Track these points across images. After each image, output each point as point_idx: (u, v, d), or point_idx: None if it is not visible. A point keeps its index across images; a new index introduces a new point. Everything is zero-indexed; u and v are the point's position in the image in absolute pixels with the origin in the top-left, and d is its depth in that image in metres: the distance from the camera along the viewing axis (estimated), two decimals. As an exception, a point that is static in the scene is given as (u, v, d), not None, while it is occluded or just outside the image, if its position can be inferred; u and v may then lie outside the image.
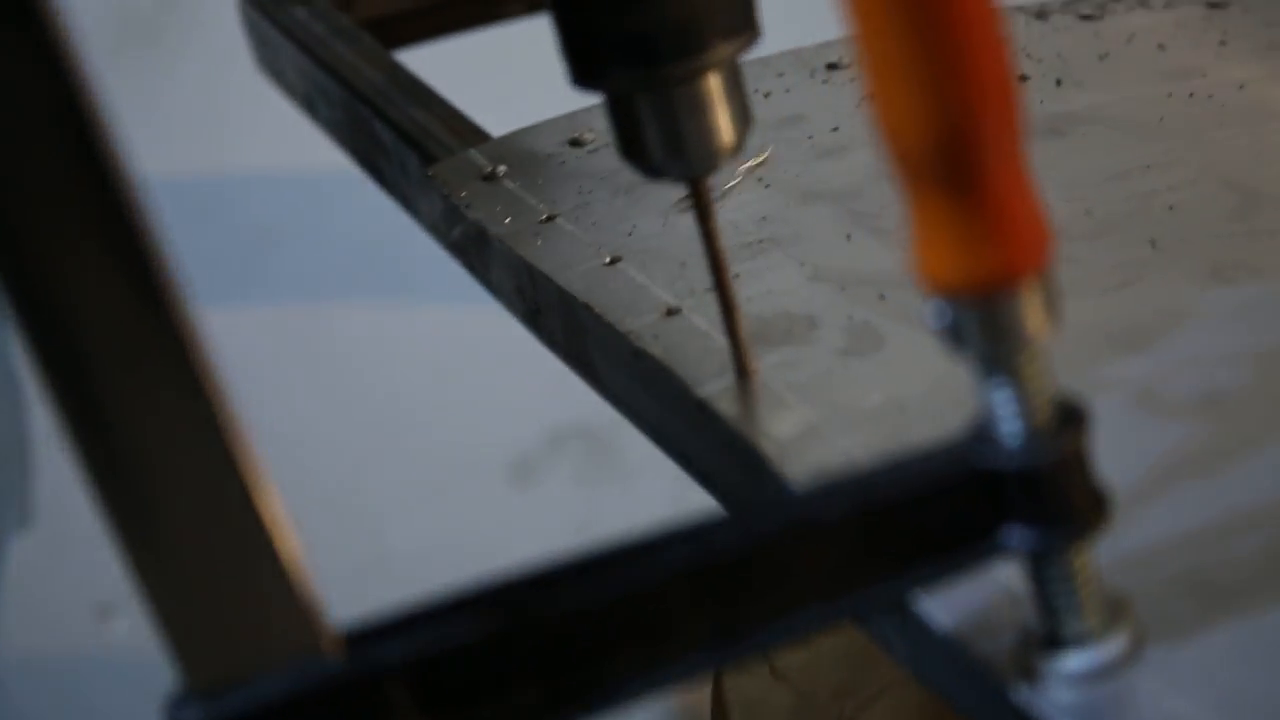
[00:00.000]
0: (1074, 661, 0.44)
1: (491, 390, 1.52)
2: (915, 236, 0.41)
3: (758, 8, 0.51)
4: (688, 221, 0.66)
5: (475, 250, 0.73)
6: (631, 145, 0.53)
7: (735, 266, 0.63)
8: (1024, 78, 0.74)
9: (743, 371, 0.56)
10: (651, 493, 1.48)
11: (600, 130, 0.75)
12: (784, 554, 0.43)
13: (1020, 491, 0.42)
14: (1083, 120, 0.70)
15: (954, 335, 0.42)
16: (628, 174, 0.71)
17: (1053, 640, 0.44)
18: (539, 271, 0.66)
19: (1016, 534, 0.43)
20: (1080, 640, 0.44)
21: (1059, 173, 0.66)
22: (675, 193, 0.68)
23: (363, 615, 0.43)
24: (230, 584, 0.40)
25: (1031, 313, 0.41)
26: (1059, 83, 0.74)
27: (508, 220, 0.70)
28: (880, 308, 0.59)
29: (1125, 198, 0.64)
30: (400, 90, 0.82)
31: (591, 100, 0.78)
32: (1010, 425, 0.42)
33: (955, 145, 0.39)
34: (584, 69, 0.51)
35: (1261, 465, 0.49)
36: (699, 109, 0.51)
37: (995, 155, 0.39)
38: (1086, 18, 0.80)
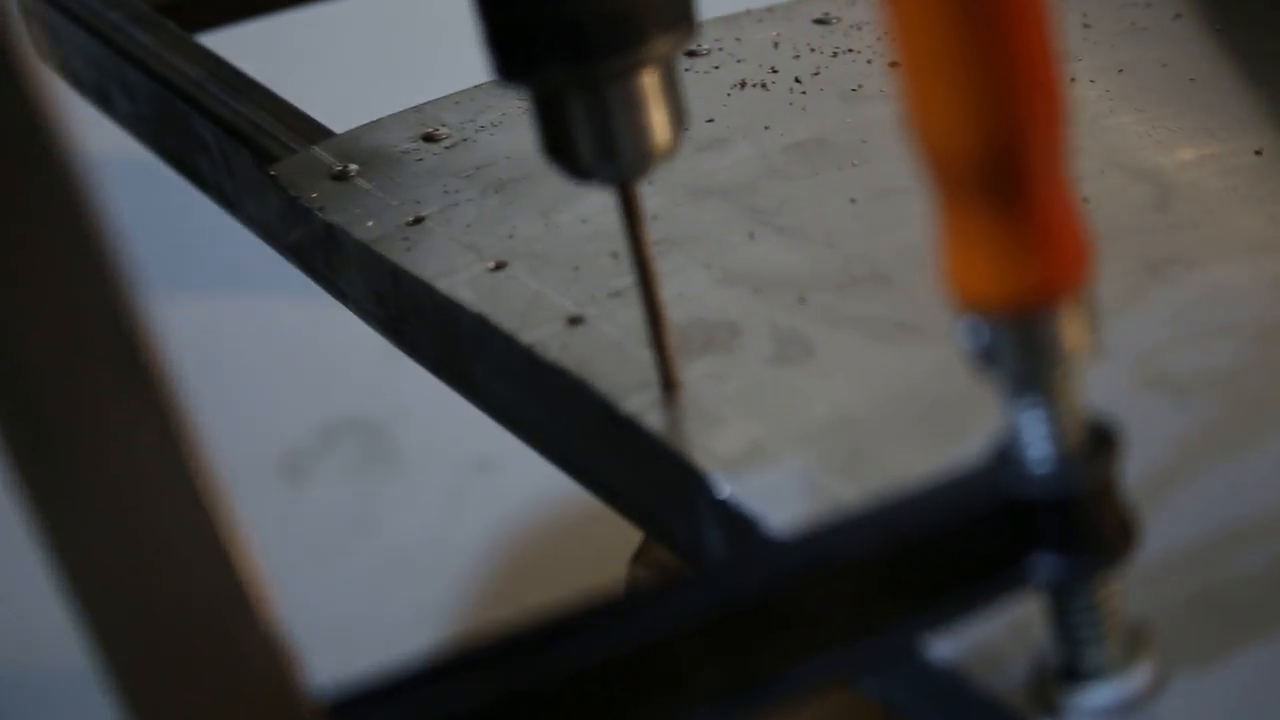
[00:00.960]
0: (1098, 694, 0.42)
1: (258, 385, 1.47)
2: (950, 249, 0.38)
3: (695, 4, 0.48)
4: (570, 221, 0.63)
5: (322, 254, 0.68)
6: (558, 145, 0.49)
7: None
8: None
9: (669, 385, 0.53)
10: (429, 486, 1.44)
11: (454, 124, 0.71)
12: (802, 596, 0.40)
13: (1051, 520, 0.40)
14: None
15: (988, 354, 0.39)
16: (495, 171, 0.67)
17: (1073, 672, 0.42)
18: (412, 278, 0.62)
19: (1045, 565, 0.41)
20: (1103, 671, 0.42)
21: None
22: (554, 191, 0.65)
23: (343, 677, 0.39)
24: (203, 652, 0.36)
25: (1072, 330, 0.39)
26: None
27: (369, 223, 0.65)
28: (803, 312, 0.56)
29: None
30: (220, 82, 0.77)
31: (437, 91, 0.75)
32: (1041, 450, 0.40)
33: (1004, 154, 0.37)
34: (510, 62, 0.47)
35: (1252, 467, 0.47)
36: (633, 107, 0.48)
37: (1043, 165, 0.37)
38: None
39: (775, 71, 0.72)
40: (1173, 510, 0.46)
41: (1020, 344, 0.39)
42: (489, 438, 1.36)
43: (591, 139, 0.48)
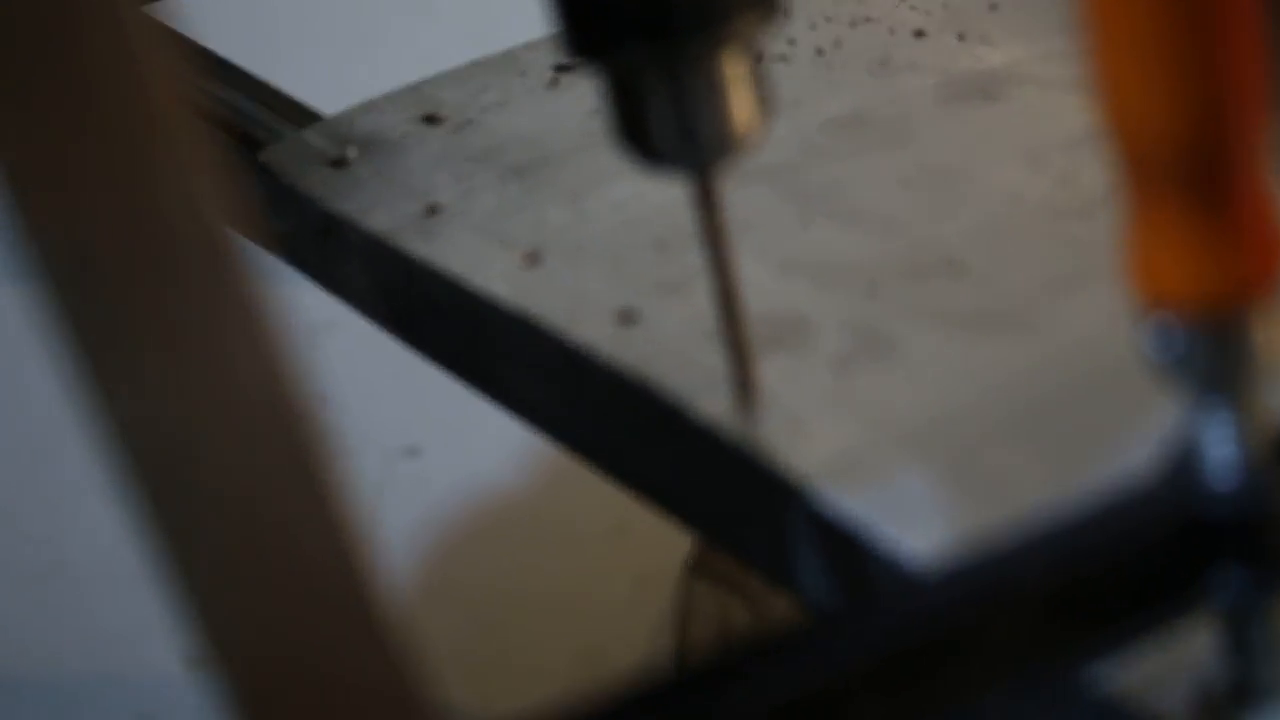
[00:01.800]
0: (1275, 713, 0.39)
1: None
2: (1143, 246, 0.35)
3: None
4: (602, 208, 0.60)
5: (316, 246, 0.64)
6: (633, 129, 0.47)
7: (684, 258, 0.56)
8: (921, 33, 0.69)
9: (747, 390, 0.50)
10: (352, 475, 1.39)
11: (456, 104, 0.67)
12: (973, 628, 0.37)
13: (1237, 537, 0.37)
14: (1008, 81, 0.65)
15: (1178, 357, 0.36)
16: (510, 154, 0.64)
17: (1244, 692, 0.39)
18: (433, 273, 0.58)
19: (1231, 584, 0.38)
20: (1276, 690, 0.39)
21: (1015, 141, 0.61)
22: (580, 175, 0.61)
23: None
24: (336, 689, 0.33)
25: (1266, 334, 0.36)
26: (961, 37, 0.69)
27: (378, 213, 0.61)
28: (875, 304, 0.53)
29: (1101, 162, 0.59)
30: (195, 66, 0.73)
31: (433, 68, 0.71)
32: (1227, 461, 0.37)
33: (1209, 145, 0.34)
34: (585, 39, 0.45)
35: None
36: (715, 90, 0.46)
37: (1247, 157, 0.34)
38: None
39: (793, 43, 0.69)
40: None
41: (1214, 347, 0.36)
42: (413, 426, 1.33)
43: (670, 122, 0.46)
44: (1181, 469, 0.38)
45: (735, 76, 0.46)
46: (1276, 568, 0.38)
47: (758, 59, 0.46)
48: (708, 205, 0.48)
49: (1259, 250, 0.35)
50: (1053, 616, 0.37)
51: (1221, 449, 0.37)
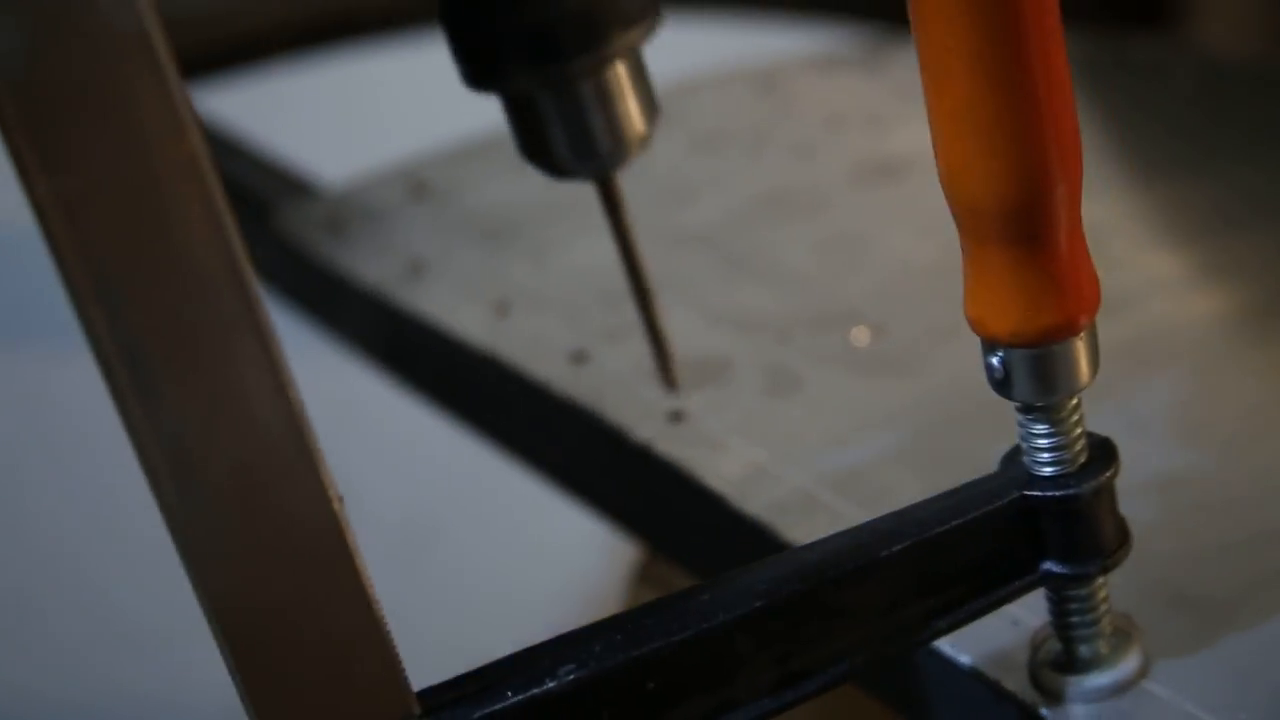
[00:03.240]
0: (1093, 681, 0.45)
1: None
2: (978, 289, 0.41)
3: None
4: (561, 265, 0.66)
5: (323, 299, 0.71)
6: (536, 146, 0.47)
7: (627, 310, 0.62)
8: (838, 121, 0.76)
9: (668, 367, 0.51)
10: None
11: (442, 177, 0.74)
12: (843, 591, 0.43)
13: (1061, 525, 0.43)
14: (908, 163, 0.72)
15: (1007, 382, 0.42)
16: (486, 220, 0.70)
17: (1071, 663, 0.45)
18: (419, 321, 0.64)
19: (1055, 565, 0.44)
20: (1098, 662, 0.45)
21: (910, 214, 0.67)
22: (543, 238, 0.67)
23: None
24: (320, 646, 0.38)
25: (1083, 360, 0.42)
26: (873, 124, 0.75)
27: (371, 270, 0.68)
28: (787, 348, 0.59)
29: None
30: (211, 142, 0.79)
31: (425, 145, 0.77)
32: (1052, 463, 0.43)
33: (1031, 207, 0.40)
34: (479, 71, 0.45)
35: (1211, 487, 0.51)
36: (606, 101, 0.46)
37: (1065, 212, 0.40)
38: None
39: (724, 134, 0.75)
40: (1147, 521, 0.50)
41: (1039, 373, 0.42)
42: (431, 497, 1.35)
43: (568, 138, 0.46)
44: (1019, 468, 0.43)
45: (624, 86, 0.46)
46: (1089, 552, 0.43)
47: (639, 63, 0.46)
48: (612, 204, 0.49)
49: (1074, 294, 0.41)
50: (909, 582, 0.43)
51: (1047, 452, 0.43)
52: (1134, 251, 0.65)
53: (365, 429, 1.26)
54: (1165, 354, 0.57)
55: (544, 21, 0.44)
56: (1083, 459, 0.43)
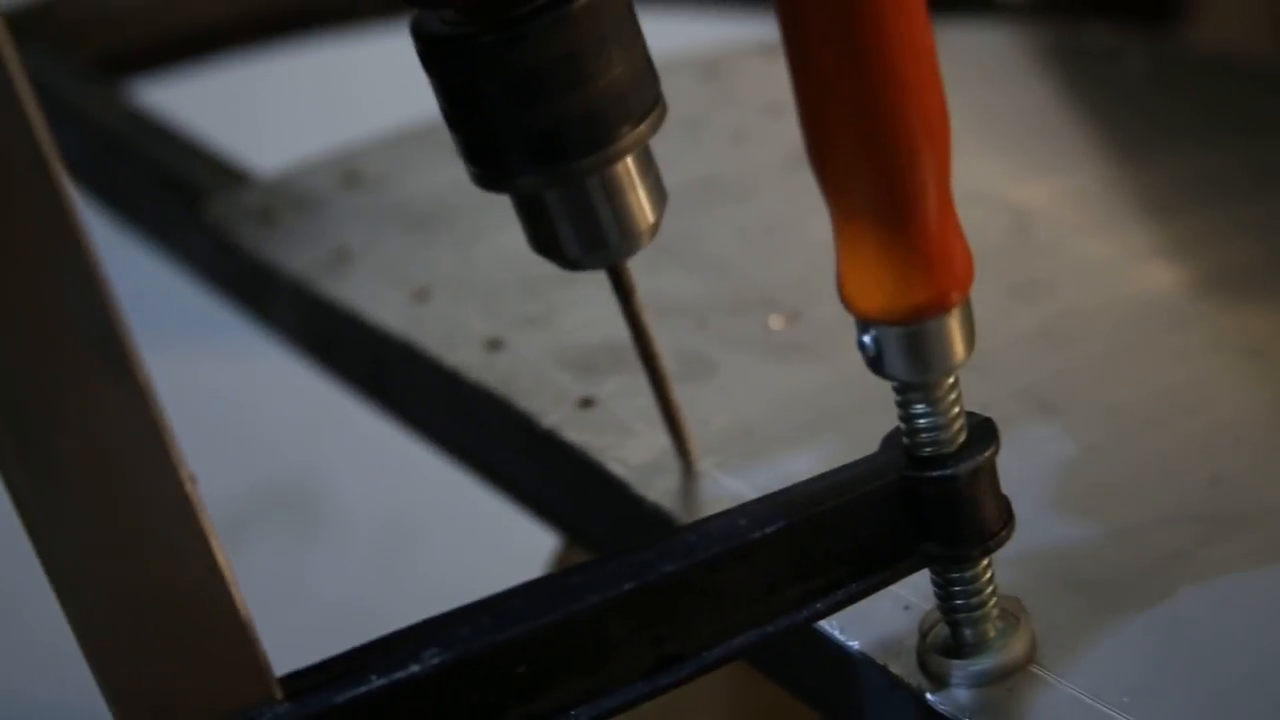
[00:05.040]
0: (979, 664, 0.44)
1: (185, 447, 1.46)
2: (848, 267, 0.41)
3: (659, 83, 0.46)
4: (488, 253, 0.65)
5: (253, 289, 0.70)
6: (545, 242, 0.47)
7: (548, 297, 0.62)
8: (776, 109, 0.75)
9: (687, 461, 0.53)
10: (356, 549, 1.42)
11: (376, 166, 0.73)
12: (718, 574, 0.42)
13: (941, 506, 0.43)
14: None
15: (880, 360, 0.42)
16: (414, 208, 0.70)
17: (958, 647, 0.45)
18: (340, 309, 0.64)
19: (936, 547, 0.43)
20: (984, 646, 0.44)
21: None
22: (470, 225, 0.67)
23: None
24: (175, 631, 0.38)
25: (956, 338, 0.41)
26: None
27: (298, 259, 0.67)
28: (703, 334, 0.59)
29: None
30: (147, 131, 0.79)
31: (358, 133, 0.77)
32: (930, 443, 0.43)
33: (896, 181, 0.39)
34: (489, 173, 0.45)
35: (1113, 470, 0.50)
36: (614, 196, 0.46)
37: (932, 187, 0.40)
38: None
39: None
40: (1048, 505, 0.49)
41: (912, 352, 0.41)
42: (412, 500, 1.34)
43: (577, 233, 0.46)
44: (898, 448, 0.43)
45: (632, 179, 0.46)
46: (970, 539, 0.43)
47: (646, 153, 0.46)
48: (623, 292, 0.50)
49: (944, 272, 0.40)
50: (787, 565, 0.43)
51: (925, 432, 0.42)
52: (1067, 234, 0.64)
53: (345, 430, 1.26)
54: (1081, 338, 0.57)
55: (550, 125, 0.44)
56: (962, 439, 0.43)
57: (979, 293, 0.57)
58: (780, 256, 0.63)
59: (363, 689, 0.40)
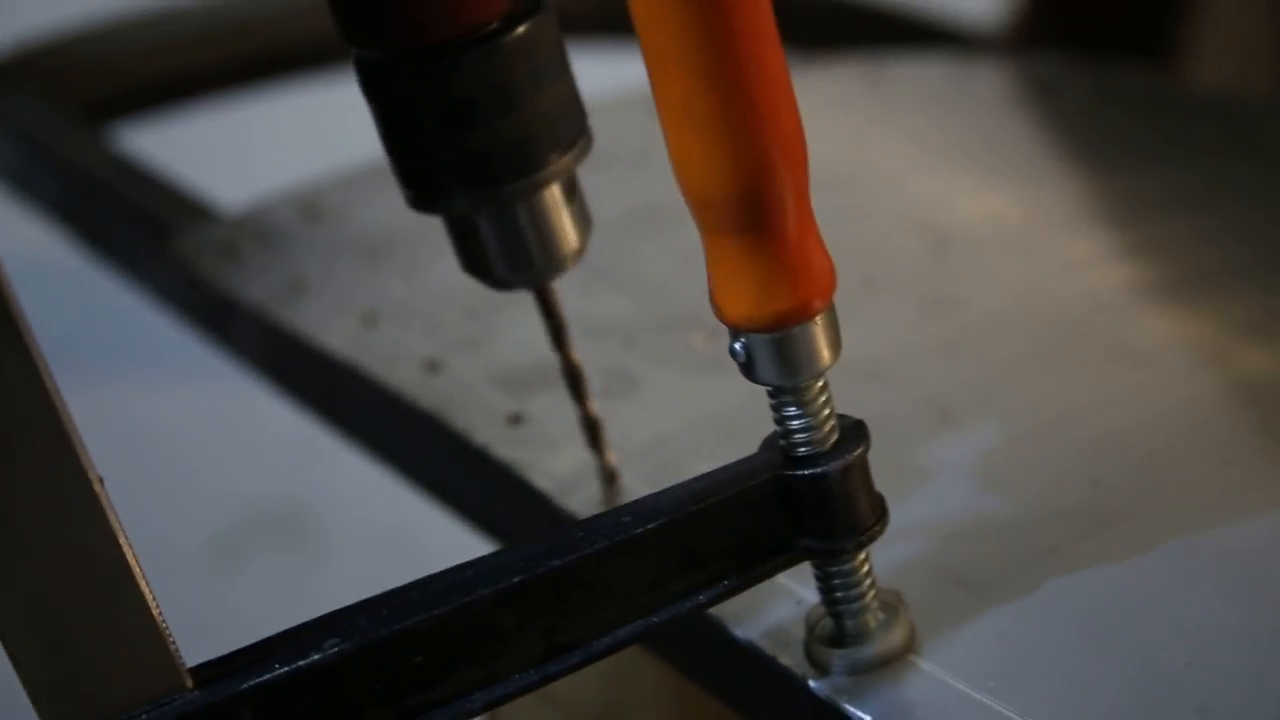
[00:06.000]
0: (859, 654, 0.47)
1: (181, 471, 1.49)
2: (717, 278, 0.44)
3: (586, 116, 0.49)
4: (434, 279, 0.68)
5: (217, 317, 0.73)
6: (474, 262, 0.50)
7: (488, 320, 0.65)
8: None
9: (607, 473, 0.56)
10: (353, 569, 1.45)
11: (334, 200, 0.77)
12: (605, 567, 0.45)
13: (815, 502, 0.45)
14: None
15: (751, 366, 0.44)
16: (370, 239, 0.73)
17: (840, 638, 0.47)
18: (293, 336, 0.67)
19: (813, 541, 0.46)
20: (865, 636, 0.47)
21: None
22: (417, 254, 0.70)
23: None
24: (89, 626, 0.40)
25: (821, 343, 0.44)
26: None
27: (257, 290, 0.70)
28: (631, 352, 0.62)
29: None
30: (121, 170, 0.82)
31: (318, 168, 0.80)
32: (803, 444, 0.45)
33: (755, 197, 0.42)
34: (420, 194, 0.48)
35: (1000, 473, 0.53)
36: (541, 220, 0.49)
37: (790, 202, 0.42)
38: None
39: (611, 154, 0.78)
40: (934, 504, 0.52)
41: (780, 356, 0.44)
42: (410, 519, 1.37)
43: (504, 254, 0.49)
44: (775, 447, 0.46)
45: (557, 206, 0.49)
46: (843, 528, 0.46)
47: (572, 181, 0.49)
48: (548, 310, 0.54)
49: (806, 280, 0.43)
50: (671, 558, 0.45)
51: (799, 432, 0.45)
52: (982, 251, 0.67)
53: (336, 451, 1.28)
54: (985, 349, 0.60)
55: (481, 149, 0.46)
56: (834, 439, 0.45)
57: (891, 308, 0.60)
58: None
59: (267, 676, 0.42)
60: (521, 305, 0.65)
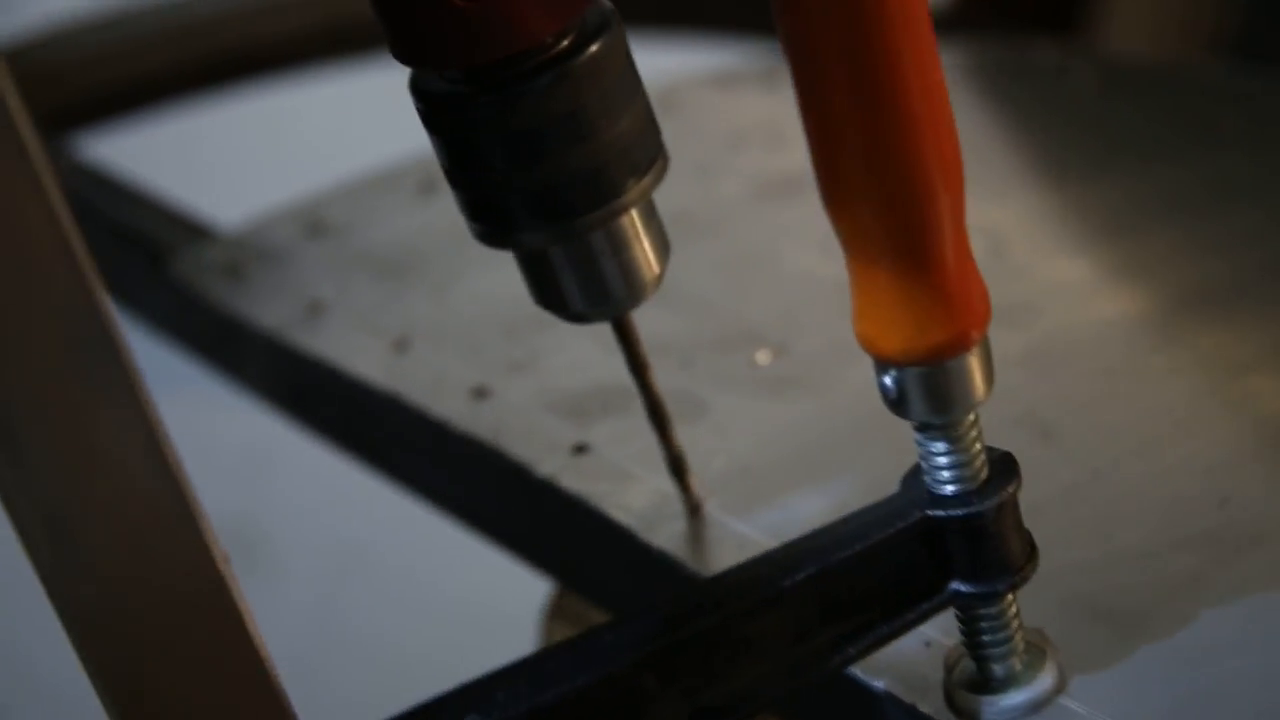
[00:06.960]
0: (1009, 700, 0.44)
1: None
2: (866, 310, 0.41)
3: (660, 133, 0.46)
4: (461, 298, 0.65)
5: (221, 345, 0.69)
6: (550, 297, 0.46)
7: (530, 342, 0.62)
8: (737, 141, 0.75)
9: (692, 505, 0.52)
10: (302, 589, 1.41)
11: (339, 214, 0.73)
12: (747, 624, 0.42)
13: (966, 543, 0.43)
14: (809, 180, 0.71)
15: (903, 402, 0.41)
16: (384, 255, 0.69)
17: (986, 683, 0.44)
18: (316, 362, 0.63)
19: (963, 585, 0.43)
20: (1012, 680, 0.44)
21: (811, 232, 0.66)
22: (444, 270, 0.66)
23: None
24: (207, 716, 0.37)
25: (978, 376, 0.41)
26: (770, 146, 0.75)
27: (270, 313, 0.66)
28: (690, 373, 0.59)
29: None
30: (103, 188, 0.78)
31: (320, 181, 0.76)
32: (953, 481, 0.42)
33: (914, 222, 0.39)
34: (492, 231, 0.44)
35: (1119, 493, 0.50)
36: (618, 250, 0.45)
37: (949, 227, 0.39)
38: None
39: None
40: (1058, 532, 0.49)
41: (934, 392, 0.41)
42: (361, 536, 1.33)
43: (582, 288, 0.46)
44: (920, 488, 0.43)
45: (636, 231, 0.45)
46: (995, 570, 0.43)
47: (650, 206, 0.46)
48: (628, 342, 0.50)
49: (962, 311, 0.40)
50: (814, 611, 0.42)
51: (947, 470, 0.42)
52: (1038, 257, 0.64)
53: (283, 471, 1.24)
54: (1069, 361, 0.57)
55: (552, 182, 0.43)
56: (984, 475, 0.42)
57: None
58: (759, 290, 0.63)
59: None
60: (561, 325, 0.62)
